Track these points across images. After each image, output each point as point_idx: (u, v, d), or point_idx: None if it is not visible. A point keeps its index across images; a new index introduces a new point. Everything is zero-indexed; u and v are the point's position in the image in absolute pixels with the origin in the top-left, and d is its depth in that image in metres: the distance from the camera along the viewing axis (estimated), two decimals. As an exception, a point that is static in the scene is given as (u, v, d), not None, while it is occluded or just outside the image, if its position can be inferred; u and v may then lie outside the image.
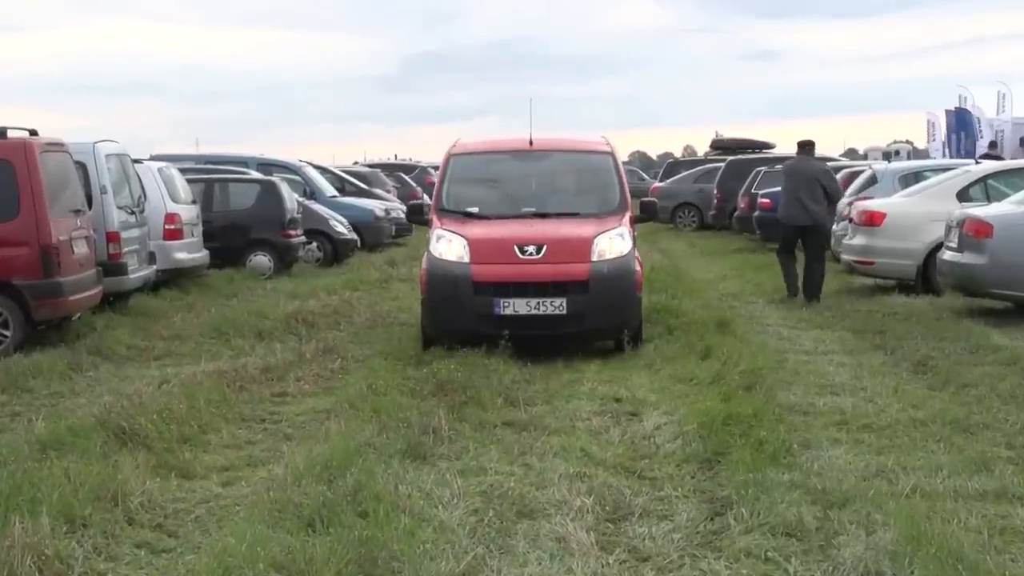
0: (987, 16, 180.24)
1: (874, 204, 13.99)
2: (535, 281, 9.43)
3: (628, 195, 10.48)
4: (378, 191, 24.82)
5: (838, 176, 17.51)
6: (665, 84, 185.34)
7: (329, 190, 21.67)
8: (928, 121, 36.19)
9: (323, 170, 23.92)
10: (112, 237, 12.15)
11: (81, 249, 10.94)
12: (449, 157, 10.77)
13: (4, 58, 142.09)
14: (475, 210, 10.25)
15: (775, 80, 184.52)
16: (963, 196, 13.04)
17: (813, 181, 12.96)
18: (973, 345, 9.41)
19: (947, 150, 31.88)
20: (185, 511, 5.61)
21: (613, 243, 9.70)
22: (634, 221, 10.33)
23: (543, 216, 10.18)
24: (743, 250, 20.39)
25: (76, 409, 7.82)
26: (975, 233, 11.22)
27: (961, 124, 31.59)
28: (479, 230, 9.87)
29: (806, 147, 13.55)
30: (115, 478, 5.66)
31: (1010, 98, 31.59)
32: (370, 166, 31.64)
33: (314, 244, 18.59)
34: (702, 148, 49.94)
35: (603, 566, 4.77)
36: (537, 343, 9.33)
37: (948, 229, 11.85)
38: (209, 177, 17.79)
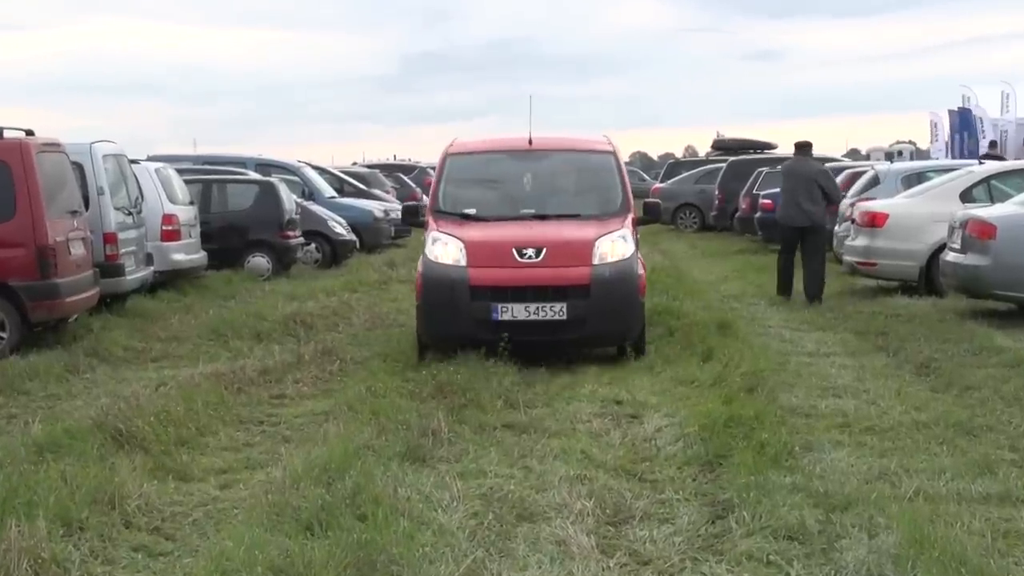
0: (990, 15, 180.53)
1: (877, 205, 13.96)
2: (534, 285, 9.17)
3: (630, 196, 10.22)
4: (377, 192, 24.78)
5: (840, 177, 17.57)
6: (666, 84, 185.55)
7: (328, 191, 21.63)
8: (931, 121, 36.14)
9: (322, 171, 23.88)
10: (109, 238, 12.12)
11: (78, 250, 10.90)
12: (446, 157, 10.51)
13: (2, 57, 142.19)
14: (472, 212, 9.98)
15: (777, 80, 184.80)
16: (966, 197, 13.01)
17: (811, 182, 12.97)
18: (976, 347, 9.38)
19: (950, 151, 31.83)
20: (182, 514, 5.59)
21: (615, 246, 9.44)
22: (636, 223, 10.12)
23: (543, 218, 9.92)
24: (745, 251, 20.39)
25: (73, 411, 7.79)
26: (978, 234, 11.19)
27: (964, 124, 31.55)
28: (476, 232, 9.59)
29: (804, 148, 13.58)
30: (112, 481, 5.64)
31: (1014, 98, 31.54)
32: (369, 167, 31.61)
33: (313, 245, 18.55)
34: (703, 148, 50.03)
35: (604, 569, 4.76)
36: (536, 350, 9.12)
37: (951, 230, 11.82)
38: (207, 178, 17.76)
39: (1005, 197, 12.56)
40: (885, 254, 13.23)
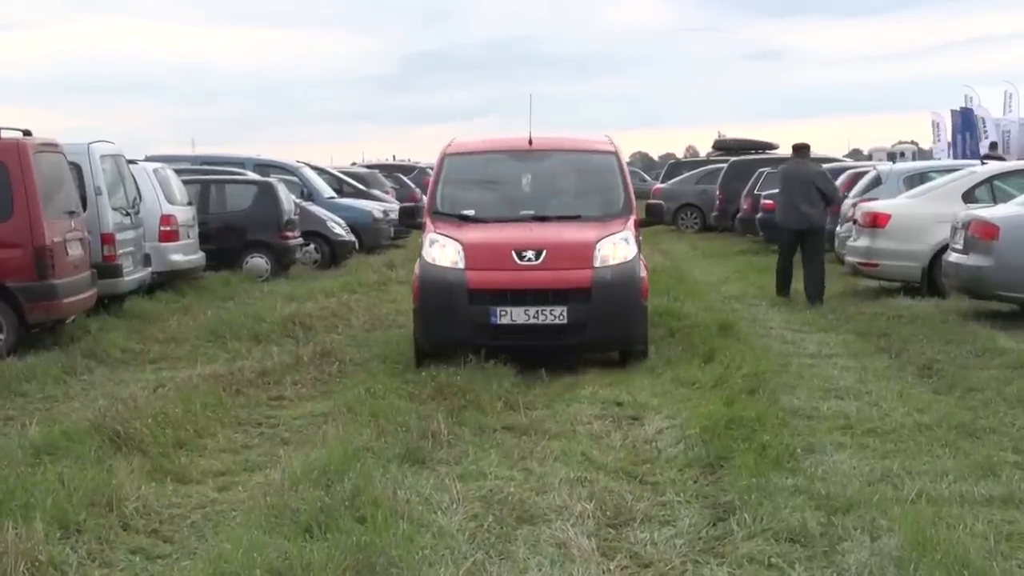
0: (993, 15, 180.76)
1: (879, 205, 13.92)
2: (534, 289, 8.95)
3: (633, 197, 9.99)
4: (376, 192, 24.75)
5: (842, 177, 17.56)
6: (667, 84, 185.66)
7: (327, 191, 21.61)
8: (933, 122, 36.08)
9: (321, 171, 23.87)
10: (107, 239, 12.08)
11: (75, 251, 10.87)
12: (444, 157, 10.29)
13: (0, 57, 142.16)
14: (471, 213, 9.77)
15: (778, 80, 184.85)
16: (969, 197, 12.97)
17: (808, 184, 12.97)
18: (979, 348, 9.36)
19: (952, 151, 31.79)
20: (181, 516, 5.57)
21: (617, 248, 9.22)
22: (639, 225, 9.94)
23: (543, 219, 9.69)
24: (746, 252, 20.36)
25: (70, 413, 7.77)
26: (981, 235, 11.15)
27: (966, 124, 31.51)
28: (475, 234, 9.38)
29: (801, 150, 13.60)
30: (110, 483, 5.62)
31: (1017, 98, 31.49)
32: (368, 167, 31.59)
33: (311, 246, 18.52)
34: (704, 149, 50.04)
35: (604, 572, 4.74)
36: (536, 355, 8.92)
37: (954, 231, 11.78)
38: (205, 178, 17.73)
39: (1008, 197, 12.52)
40: (887, 255, 13.19)
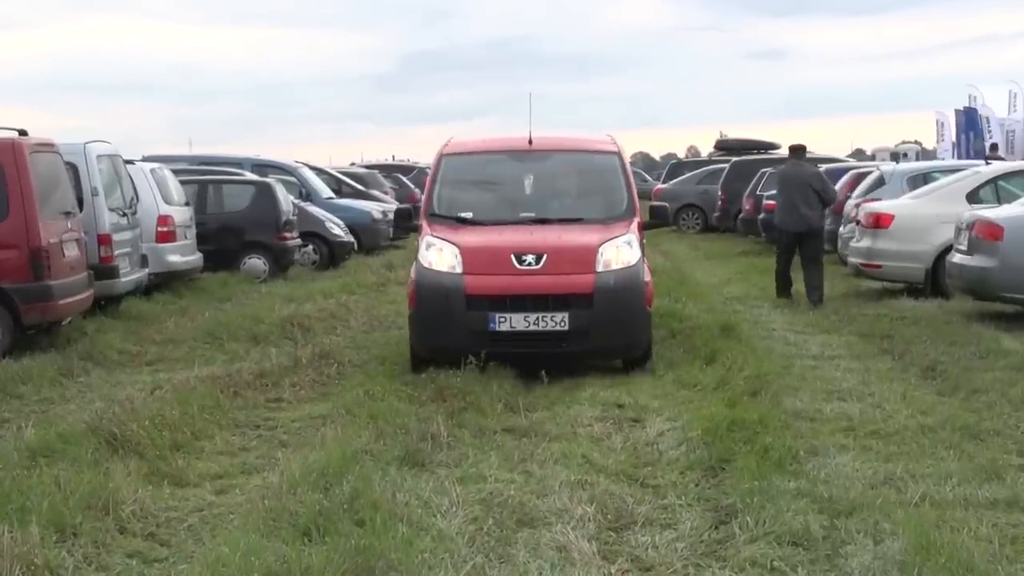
0: (997, 14, 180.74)
1: (882, 206, 13.89)
2: (534, 294, 8.69)
3: (636, 199, 9.74)
4: (375, 192, 24.72)
5: (844, 177, 17.55)
6: (668, 83, 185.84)
7: (325, 191, 21.57)
8: (937, 121, 36.08)
9: (319, 171, 23.84)
10: (103, 239, 12.04)
11: (72, 252, 10.82)
12: (441, 157, 10.01)
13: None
14: (469, 215, 9.51)
15: (780, 79, 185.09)
16: (973, 198, 12.93)
17: (805, 186, 13.00)
18: (983, 350, 9.32)
19: (956, 151, 31.77)
20: (178, 520, 5.56)
21: (620, 252, 8.96)
22: (643, 227, 9.67)
23: (543, 222, 9.41)
24: (748, 253, 20.33)
25: (67, 415, 7.75)
26: (985, 235, 11.10)
27: (970, 124, 31.51)
28: (473, 237, 9.11)
29: (798, 152, 13.65)
30: (106, 486, 5.59)
31: (1022, 97, 31.47)
32: (367, 167, 31.57)
33: (310, 247, 18.48)
34: (706, 149, 49.96)
35: (605, 576, 4.70)
36: (536, 362, 8.64)
37: (957, 231, 11.73)
38: (203, 178, 17.69)
39: (1012, 198, 12.51)
40: (890, 256, 13.15)
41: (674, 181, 29.94)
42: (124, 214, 12.75)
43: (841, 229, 15.48)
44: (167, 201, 14.46)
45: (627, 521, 5.35)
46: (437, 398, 7.82)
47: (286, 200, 17.54)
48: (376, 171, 28.91)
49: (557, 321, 8.68)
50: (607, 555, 4.92)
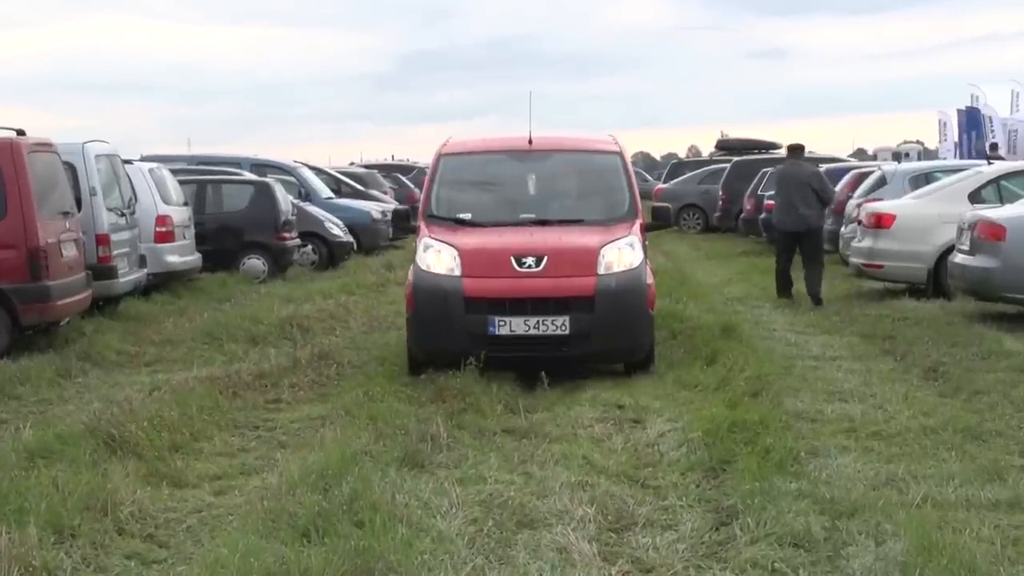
0: (998, 13, 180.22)
1: (883, 206, 13.85)
2: (534, 297, 8.50)
3: (639, 200, 9.56)
4: (375, 192, 24.68)
5: (846, 177, 17.54)
6: (668, 83, 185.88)
7: (324, 191, 21.54)
8: (939, 121, 35.99)
9: (318, 171, 23.80)
10: (102, 240, 12.01)
11: (70, 252, 10.80)
12: (439, 157, 9.83)
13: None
14: (467, 217, 9.34)
15: (782, 79, 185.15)
16: (975, 198, 12.89)
17: (804, 186, 13.02)
18: (985, 351, 9.30)
19: (959, 151, 31.70)
20: (176, 521, 5.55)
21: (622, 254, 8.78)
22: (645, 229, 9.49)
23: (543, 223, 9.22)
24: (749, 253, 20.30)
25: (65, 416, 7.73)
26: (987, 235, 11.07)
27: (972, 124, 31.44)
28: (472, 239, 8.94)
29: (796, 151, 13.67)
30: (104, 487, 5.58)
31: (1024, 97, 31.44)
32: (366, 167, 31.55)
33: (309, 247, 18.44)
34: (707, 148, 49.88)
35: (605, 577, 4.70)
36: (536, 367, 8.42)
37: (960, 231, 11.69)
38: (201, 178, 17.66)
39: (1015, 198, 12.48)
40: (892, 256, 13.11)
41: (675, 181, 29.90)
42: (122, 214, 12.72)
43: (843, 229, 15.45)
44: (166, 201, 14.43)
45: (628, 522, 5.33)
46: (437, 399, 7.81)
47: (285, 200, 17.51)
48: (375, 171, 28.87)
49: (558, 325, 8.50)
50: (608, 556, 4.91)
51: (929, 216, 12.92)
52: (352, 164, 34.60)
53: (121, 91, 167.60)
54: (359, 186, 24.41)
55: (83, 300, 10.99)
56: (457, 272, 8.69)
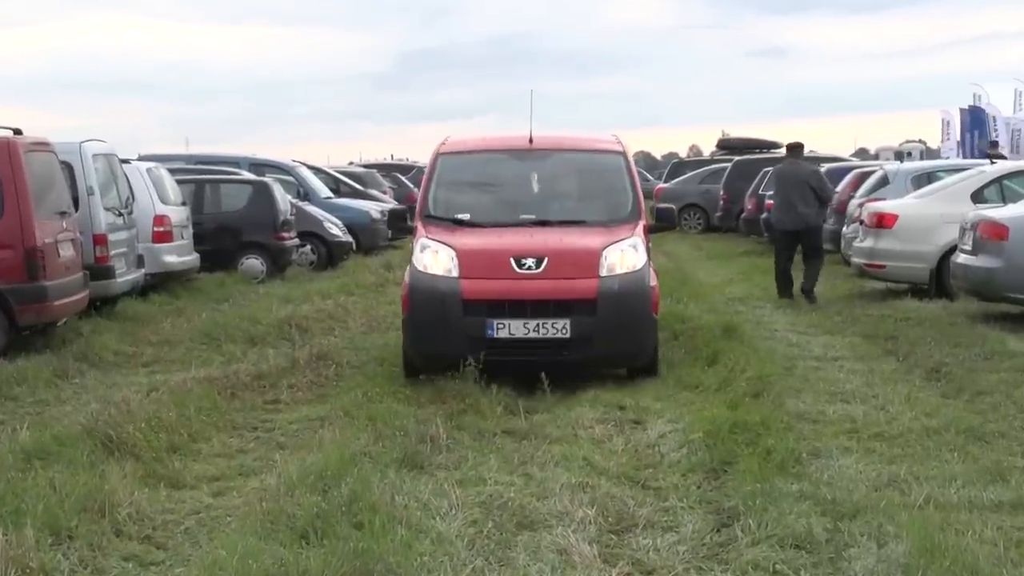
0: (1000, 12, 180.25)
1: (886, 205, 13.81)
2: (534, 299, 8.29)
3: (642, 201, 9.36)
4: (374, 192, 24.64)
5: (848, 176, 17.52)
6: (669, 82, 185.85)
7: (323, 191, 21.50)
8: (943, 120, 35.97)
9: (317, 170, 23.76)
10: (99, 239, 11.98)
11: (67, 252, 10.77)
12: (437, 156, 9.63)
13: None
14: (466, 217, 9.15)
15: (783, 78, 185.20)
16: (978, 197, 12.86)
17: (802, 184, 13.06)
18: (988, 351, 9.27)
19: (962, 150, 31.68)
20: (174, 522, 5.53)
21: (625, 256, 8.58)
22: (648, 230, 9.28)
23: (544, 224, 9.01)
24: (750, 253, 20.28)
25: (62, 417, 7.70)
26: (990, 235, 11.04)
27: (975, 123, 31.43)
28: (470, 240, 8.75)
29: (795, 150, 13.71)
30: (102, 488, 5.56)
31: (1027, 96, 31.41)
32: (365, 166, 31.51)
33: (308, 247, 18.40)
34: (708, 148, 49.81)
35: (606, 579, 4.69)
36: (536, 371, 8.19)
37: (962, 231, 11.66)
38: (199, 178, 17.63)
39: (1017, 197, 12.47)
40: (894, 256, 13.07)
41: (676, 181, 29.83)
42: (120, 214, 12.69)
43: (845, 229, 15.43)
44: (163, 201, 14.41)
45: (628, 524, 5.31)
46: (436, 400, 7.79)
47: (284, 200, 17.48)
48: (374, 170, 28.83)
49: (558, 328, 8.30)
50: (608, 558, 4.89)
51: (931, 216, 12.89)
52: (351, 164, 34.61)
53: (120, 90, 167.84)
54: (358, 186, 24.35)
55: (80, 300, 10.96)
56: (455, 273, 8.50)
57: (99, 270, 11.75)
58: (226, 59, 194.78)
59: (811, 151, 18.54)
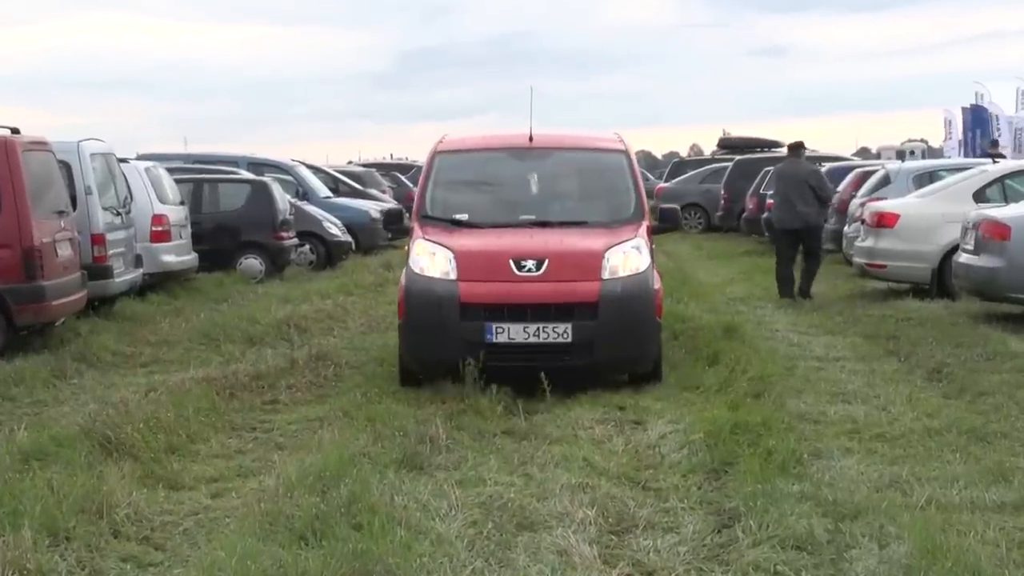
0: (1001, 10, 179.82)
1: (887, 205, 13.80)
2: (534, 303, 8.07)
3: (645, 201, 9.14)
4: (373, 192, 24.62)
5: (850, 176, 17.52)
6: (670, 81, 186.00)
7: (322, 190, 21.48)
8: (945, 119, 35.96)
9: (316, 170, 23.75)
10: (97, 239, 11.96)
11: (65, 252, 10.74)
12: (434, 155, 9.40)
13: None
14: (464, 217, 8.93)
15: (784, 77, 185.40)
16: (980, 197, 12.83)
17: (802, 184, 13.09)
18: (990, 351, 9.26)
19: (963, 149, 31.67)
20: (173, 523, 5.51)
21: (628, 258, 8.37)
22: (652, 231, 9.09)
23: (544, 225, 8.78)
24: (751, 253, 20.27)
25: (60, 418, 7.68)
26: (992, 235, 11.02)
27: (977, 122, 31.43)
28: (468, 241, 8.54)
29: (796, 149, 13.73)
30: (100, 489, 5.55)
31: (1030, 94, 31.42)
32: (365, 166, 31.50)
33: (307, 246, 18.39)
34: (708, 147, 49.69)
35: (606, 581, 4.68)
36: (536, 376, 7.97)
37: (964, 231, 11.64)
38: (198, 177, 17.61)
39: (1020, 197, 12.47)
40: (896, 256, 13.05)
41: (676, 180, 29.81)
42: (118, 213, 12.67)
43: (846, 228, 15.42)
44: (162, 200, 14.39)
45: (629, 525, 5.30)
46: (435, 400, 7.77)
47: (283, 199, 17.46)
48: (374, 170, 28.82)
49: (559, 332, 8.07)
50: (608, 559, 4.88)
51: (933, 215, 12.86)
52: (350, 163, 34.57)
53: (120, 89, 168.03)
54: (357, 185, 24.34)
55: (78, 300, 10.94)
56: (452, 276, 8.27)
57: (97, 270, 11.73)
58: (225, 58, 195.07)
59: (813, 150, 18.49)
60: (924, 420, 7.15)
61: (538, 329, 8.08)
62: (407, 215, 9.43)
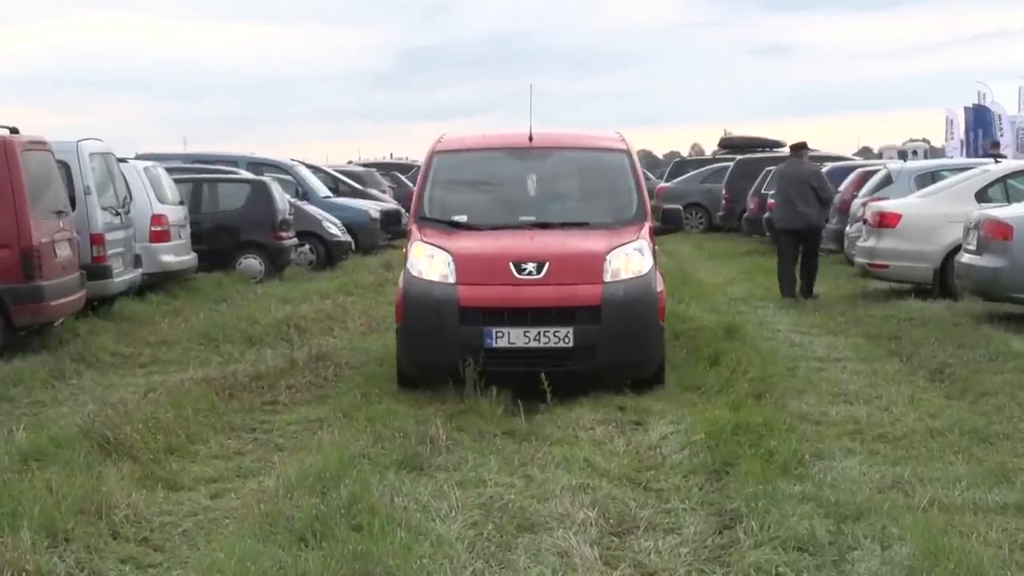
0: (1004, 9, 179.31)
1: (889, 205, 13.78)
2: (535, 306, 7.92)
3: (647, 202, 9.00)
4: (373, 191, 24.61)
5: (851, 176, 17.52)
6: (671, 80, 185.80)
7: (322, 190, 21.48)
8: (947, 118, 35.96)
9: (316, 170, 23.74)
10: (96, 239, 11.96)
11: (64, 252, 10.73)
12: (432, 155, 9.26)
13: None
14: (463, 219, 8.79)
15: (786, 76, 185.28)
16: (982, 196, 12.81)
17: (803, 184, 13.12)
18: (992, 352, 9.25)
19: (966, 148, 31.66)
20: (172, 524, 5.51)
21: (630, 260, 8.23)
22: (655, 233, 8.95)
23: (545, 227, 8.63)
24: (753, 253, 20.28)
25: (59, 418, 7.67)
26: (994, 235, 11.01)
27: (979, 121, 31.44)
28: (467, 243, 8.39)
29: (799, 149, 13.76)
30: (99, 490, 5.54)
31: (1032, 94, 31.45)
32: (364, 165, 31.49)
33: (306, 246, 18.38)
34: (710, 147, 49.65)
35: (607, 582, 4.67)
36: (536, 381, 7.83)
37: (966, 231, 11.62)
38: (197, 177, 17.60)
39: (1022, 197, 12.47)
40: (898, 256, 13.04)
41: (677, 180, 29.78)
42: (117, 213, 12.66)
43: (848, 228, 15.41)
44: (161, 200, 14.38)
45: (629, 526, 5.29)
46: (436, 401, 7.75)
47: (282, 199, 17.46)
48: (374, 169, 28.82)
49: (560, 337, 7.91)
50: (609, 560, 4.87)
51: (935, 215, 12.85)
52: (350, 162, 34.57)
53: (119, 88, 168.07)
54: (357, 185, 24.33)
55: (77, 300, 10.93)
56: (451, 279, 8.10)
57: (96, 270, 11.72)
58: (224, 57, 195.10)
59: (814, 150, 18.46)
60: (926, 421, 7.14)
61: (539, 333, 7.93)
62: (405, 216, 9.24)
